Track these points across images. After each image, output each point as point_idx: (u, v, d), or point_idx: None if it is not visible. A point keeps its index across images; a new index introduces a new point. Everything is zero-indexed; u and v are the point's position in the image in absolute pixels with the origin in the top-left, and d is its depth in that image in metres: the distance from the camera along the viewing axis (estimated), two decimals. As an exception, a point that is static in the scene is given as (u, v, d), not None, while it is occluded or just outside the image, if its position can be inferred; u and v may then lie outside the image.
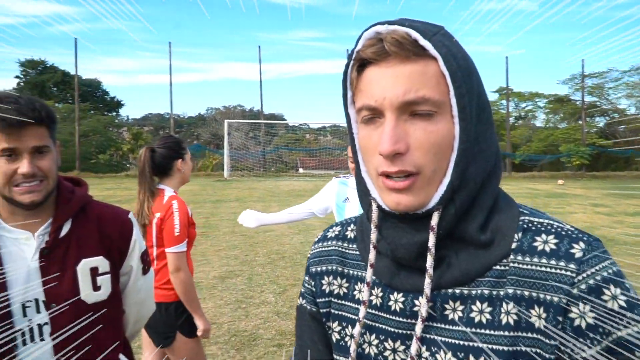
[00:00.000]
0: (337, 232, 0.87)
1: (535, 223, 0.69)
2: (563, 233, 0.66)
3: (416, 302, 0.71)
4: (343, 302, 0.80)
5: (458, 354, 0.67)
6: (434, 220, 0.67)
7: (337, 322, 0.81)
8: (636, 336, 0.60)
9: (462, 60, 0.66)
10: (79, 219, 1.35)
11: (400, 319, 0.72)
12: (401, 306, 0.72)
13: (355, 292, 0.79)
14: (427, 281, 0.68)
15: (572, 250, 0.64)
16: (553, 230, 0.67)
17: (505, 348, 0.64)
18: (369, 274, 0.73)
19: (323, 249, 0.86)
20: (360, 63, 0.68)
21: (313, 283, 0.85)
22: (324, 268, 0.84)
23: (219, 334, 4.20)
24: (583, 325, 0.61)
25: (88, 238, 1.35)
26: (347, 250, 0.83)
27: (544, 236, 0.67)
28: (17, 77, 40.92)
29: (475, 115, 0.67)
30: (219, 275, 5.96)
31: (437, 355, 0.68)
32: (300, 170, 28.74)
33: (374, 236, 0.73)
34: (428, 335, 0.69)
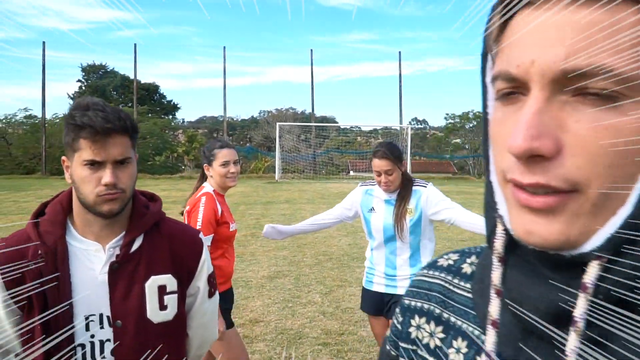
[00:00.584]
0: (450, 262, 0.62)
1: None
2: None
3: None
4: (430, 357, 0.56)
5: None
6: (591, 274, 0.40)
7: None
8: None
9: None
10: (151, 235, 1.32)
11: None
12: None
13: (450, 350, 0.54)
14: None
15: None
16: None
17: None
18: (489, 338, 0.47)
19: (425, 278, 0.62)
20: (509, 5, 0.42)
21: (401, 320, 0.62)
22: (418, 305, 0.61)
23: (266, 331, 4.30)
24: None
25: (159, 255, 1.32)
26: (455, 289, 0.58)
27: None
28: (79, 81, 43.09)
29: None
30: (268, 275, 6.07)
31: None
32: (352, 172, 28.76)
33: (496, 275, 0.47)
34: None
